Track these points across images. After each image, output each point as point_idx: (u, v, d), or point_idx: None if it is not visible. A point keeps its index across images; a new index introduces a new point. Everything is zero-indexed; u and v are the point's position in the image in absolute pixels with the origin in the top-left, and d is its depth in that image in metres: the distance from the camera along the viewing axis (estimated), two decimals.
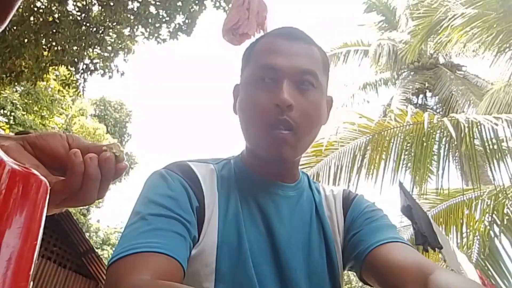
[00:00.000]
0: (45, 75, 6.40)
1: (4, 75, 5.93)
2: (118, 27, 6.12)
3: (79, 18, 5.82)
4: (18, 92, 13.20)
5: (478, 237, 4.80)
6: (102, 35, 6.02)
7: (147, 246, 0.56)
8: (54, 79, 9.79)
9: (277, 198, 0.76)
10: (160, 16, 5.96)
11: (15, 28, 5.39)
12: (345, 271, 0.80)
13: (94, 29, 5.94)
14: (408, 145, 4.35)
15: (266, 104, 0.70)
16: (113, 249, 0.62)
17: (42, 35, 5.64)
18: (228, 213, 0.70)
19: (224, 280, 0.65)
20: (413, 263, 0.62)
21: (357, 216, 0.78)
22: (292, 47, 0.75)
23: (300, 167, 0.85)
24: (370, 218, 0.77)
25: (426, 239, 2.98)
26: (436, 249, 3.01)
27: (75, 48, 5.94)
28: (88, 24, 5.87)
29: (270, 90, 0.71)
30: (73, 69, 6.30)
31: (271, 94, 0.71)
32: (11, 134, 0.55)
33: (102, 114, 20.54)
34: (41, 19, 5.57)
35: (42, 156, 0.51)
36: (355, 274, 0.78)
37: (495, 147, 3.91)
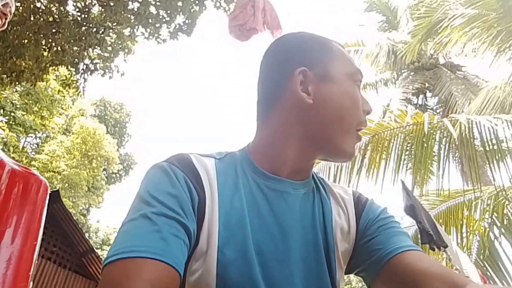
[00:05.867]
0: (45, 75, 6.40)
1: (4, 75, 5.93)
2: (118, 27, 6.12)
3: (79, 18, 5.82)
4: (18, 92, 13.20)
5: (478, 238, 4.79)
6: (102, 35, 6.03)
7: (148, 251, 0.54)
8: (54, 79, 9.80)
9: (288, 197, 0.73)
10: (160, 16, 5.96)
11: (15, 28, 5.39)
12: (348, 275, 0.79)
13: (94, 29, 5.94)
14: (409, 145, 4.34)
15: (359, 107, 0.76)
16: None
17: (42, 35, 5.64)
18: (231, 214, 0.67)
19: (227, 286, 0.61)
20: (443, 273, 0.61)
21: (372, 222, 0.76)
22: None
23: None
24: (386, 224, 0.75)
25: (431, 238, 2.99)
26: (441, 248, 3.01)
27: (75, 48, 5.94)
28: (88, 25, 5.87)
29: (359, 95, 0.77)
30: (73, 69, 6.31)
31: (361, 99, 0.77)
32: None
33: (102, 114, 20.56)
34: (41, 19, 5.57)
35: None
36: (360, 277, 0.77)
37: (495, 147, 3.90)
